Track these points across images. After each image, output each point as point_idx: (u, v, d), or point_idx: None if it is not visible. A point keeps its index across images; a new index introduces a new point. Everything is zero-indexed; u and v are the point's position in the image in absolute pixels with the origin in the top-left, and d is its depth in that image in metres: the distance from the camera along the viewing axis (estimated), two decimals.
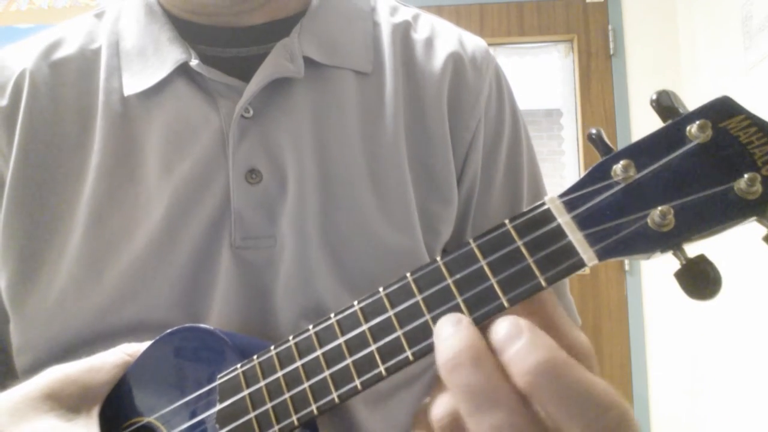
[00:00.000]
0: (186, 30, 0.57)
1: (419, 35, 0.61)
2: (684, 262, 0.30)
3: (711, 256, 0.30)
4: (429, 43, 0.61)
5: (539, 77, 2.37)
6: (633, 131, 2.19)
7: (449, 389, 0.30)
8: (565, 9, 2.30)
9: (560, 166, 2.32)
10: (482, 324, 0.32)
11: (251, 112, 0.53)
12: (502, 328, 0.30)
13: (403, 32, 0.61)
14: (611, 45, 2.25)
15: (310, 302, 0.51)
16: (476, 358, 0.30)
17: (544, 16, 2.30)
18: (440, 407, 0.32)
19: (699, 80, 2.06)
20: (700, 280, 0.29)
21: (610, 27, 2.27)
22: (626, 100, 2.22)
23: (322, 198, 0.52)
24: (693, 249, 0.30)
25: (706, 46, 2.03)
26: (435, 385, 0.36)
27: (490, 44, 0.66)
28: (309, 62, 0.55)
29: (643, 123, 2.17)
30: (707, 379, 2.04)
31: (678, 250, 0.30)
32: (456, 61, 0.60)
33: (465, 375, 0.30)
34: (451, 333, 0.31)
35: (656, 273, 2.15)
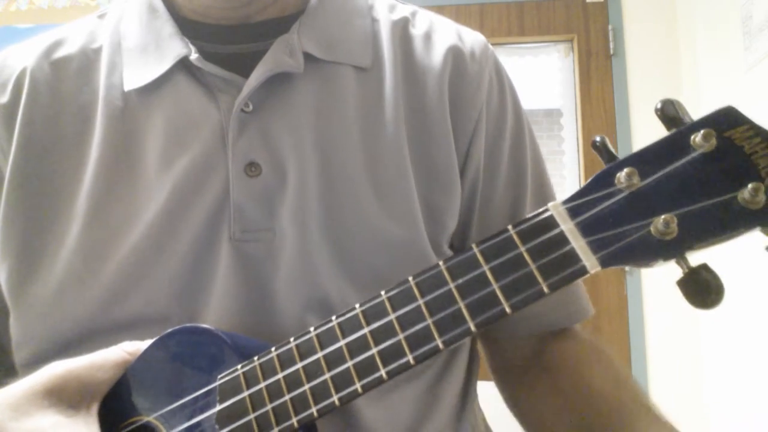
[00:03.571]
0: (187, 27, 0.57)
1: (417, 30, 0.61)
2: (687, 271, 0.30)
3: (713, 264, 0.30)
4: (428, 37, 0.61)
5: (539, 77, 2.37)
6: (633, 131, 2.18)
7: None
8: (565, 9, 2.29)
9: (560, 166, 2.31)
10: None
11: (251, 106, 0.53)
12: None
13: (402, 28, 0.61)
14: (611, 45, 2.25)
15: (313, 294, 0.51)
16: None
17: (544, 16, 2.30)
18: None
19: (699, 80, 2.05)
20: (702, 289, 0.29)
21: (610, 27, 2.26)
22: (626, 100, 2.21)
23: (322, 191, 0.52)
24: (696, 257, 0.30)
25: (706, 46, 2.03)
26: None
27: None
28: (308, 58, 0.55)
29: (643, 123, 2.16)
30: (707, 380, 2.04)
31: (681, 258, 0.30)
32: (455, 54, 0.60)
33: None
34: None
35: (656, 274, 2.15)
